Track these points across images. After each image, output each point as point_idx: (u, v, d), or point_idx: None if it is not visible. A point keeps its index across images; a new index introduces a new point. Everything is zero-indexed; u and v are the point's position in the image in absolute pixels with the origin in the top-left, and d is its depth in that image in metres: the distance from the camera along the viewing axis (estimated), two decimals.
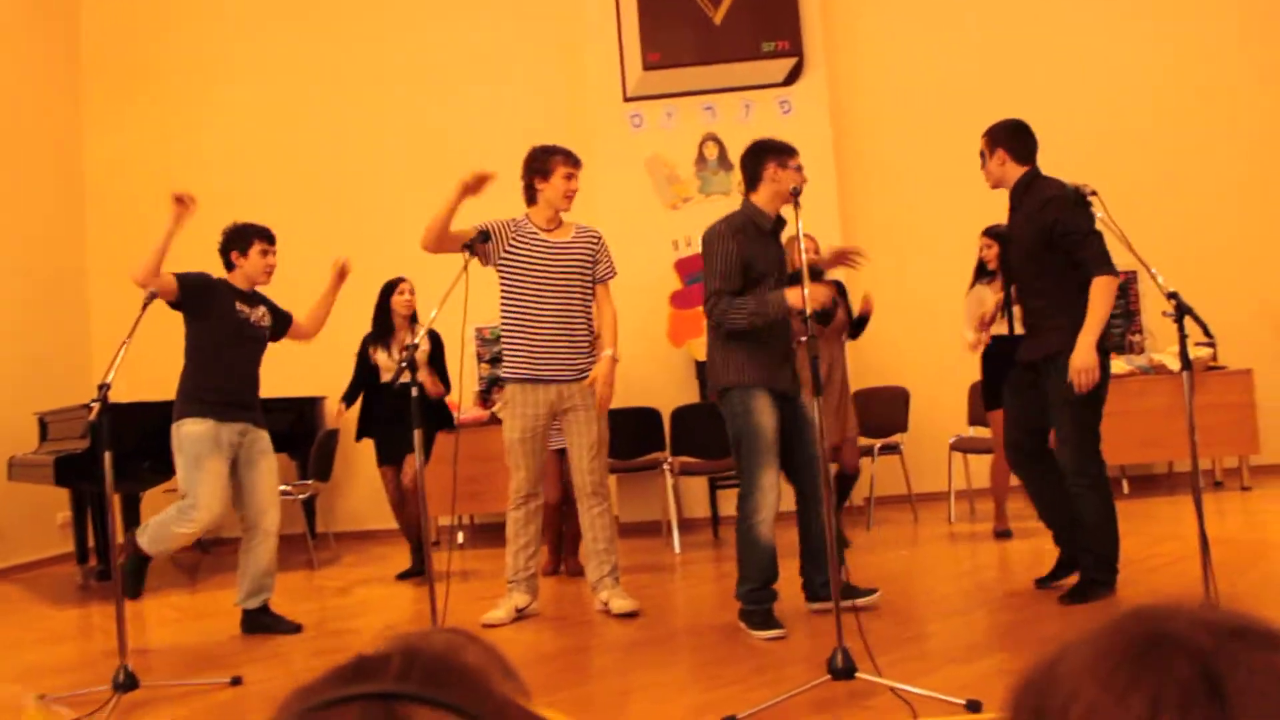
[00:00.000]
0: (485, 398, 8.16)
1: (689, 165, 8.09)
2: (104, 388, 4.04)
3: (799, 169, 4.58)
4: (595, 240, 5.13)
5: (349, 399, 6.54)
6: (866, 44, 8.38)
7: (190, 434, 4.90)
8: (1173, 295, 3.86)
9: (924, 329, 7.45)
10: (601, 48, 8.08)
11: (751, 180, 4.65)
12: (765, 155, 4.62)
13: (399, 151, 8.63)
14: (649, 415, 7.32)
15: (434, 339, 6.44)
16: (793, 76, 8.02)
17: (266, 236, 5.16)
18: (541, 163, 5.05)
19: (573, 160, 5.07)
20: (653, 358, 7.71)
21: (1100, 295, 4.43)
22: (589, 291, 5.08)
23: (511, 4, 8.64)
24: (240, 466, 5.05)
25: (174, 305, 4.92)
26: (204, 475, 4.86)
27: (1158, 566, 5.09)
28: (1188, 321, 3.83)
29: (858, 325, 6.32)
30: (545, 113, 8.20)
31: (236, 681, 4.17)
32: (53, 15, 8.85)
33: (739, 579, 4.53)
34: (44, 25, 8.76)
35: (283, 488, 7.23)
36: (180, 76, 8.91)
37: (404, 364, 4.13)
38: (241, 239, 5.13)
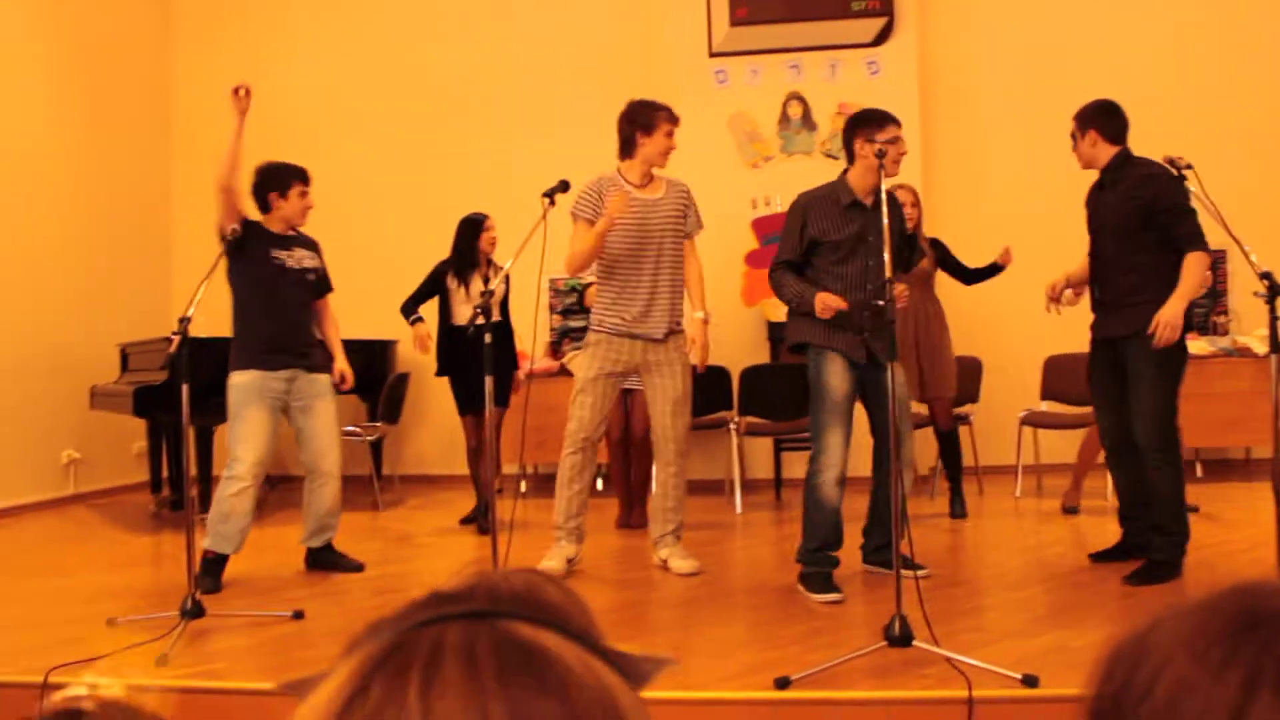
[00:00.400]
0: (557, 349, 8.19)
1: (772, 124, 7.99)
2: (184, 321, 4.12)
3: (894, 140, 4.48)
4: (685, 194, 5.04)
5: (408, 310, 6.42)
6: (959, 7, 8.19)
7: (235, 385, 4.89)
8: (1266, 275, 3.76)
9: (1001, 298, 7.30)
10: (689, 2, 7.98)
11: (849, 155, 4.65)
12: (854, 129, 4.62)
13: (479, 95, 8.61)
14: (718, 374, 7.28)
15: (505, 284, 6.38)
16: (882, 37, 7.87)
17: (303, 177, 5.07)
18: (647, 117, 4.89)
19: (675, 117, 4.96)
20: (725, 316, 7.66)
21: (1193, 269, 4.39)
22: (680, 248, 5.00)
23: None
24: (295, 413, 5.03)
25: (230, 252, 4.81)
26: (241, 425, 4.82)
27: (1231, 553, 4.97)
28: (1279, 303, 3.72)
29: (977, 275, 6.31)
30: (629, 64, 8.14)
31: (299, 615, 4.25)
32: None
33: (802, 538, 4.55)
34: None
35: (350, 429, 7.37)
36: (268, 10, 8.98)
37: (480, 309, 4.12)
38: (280, 180, 5.03)
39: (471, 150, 8.49)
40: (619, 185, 4.91)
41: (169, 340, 4.21)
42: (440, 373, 6.44)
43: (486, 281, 6.27)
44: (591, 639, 0.58)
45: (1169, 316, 4.35)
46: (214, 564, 4.83)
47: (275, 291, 4.95)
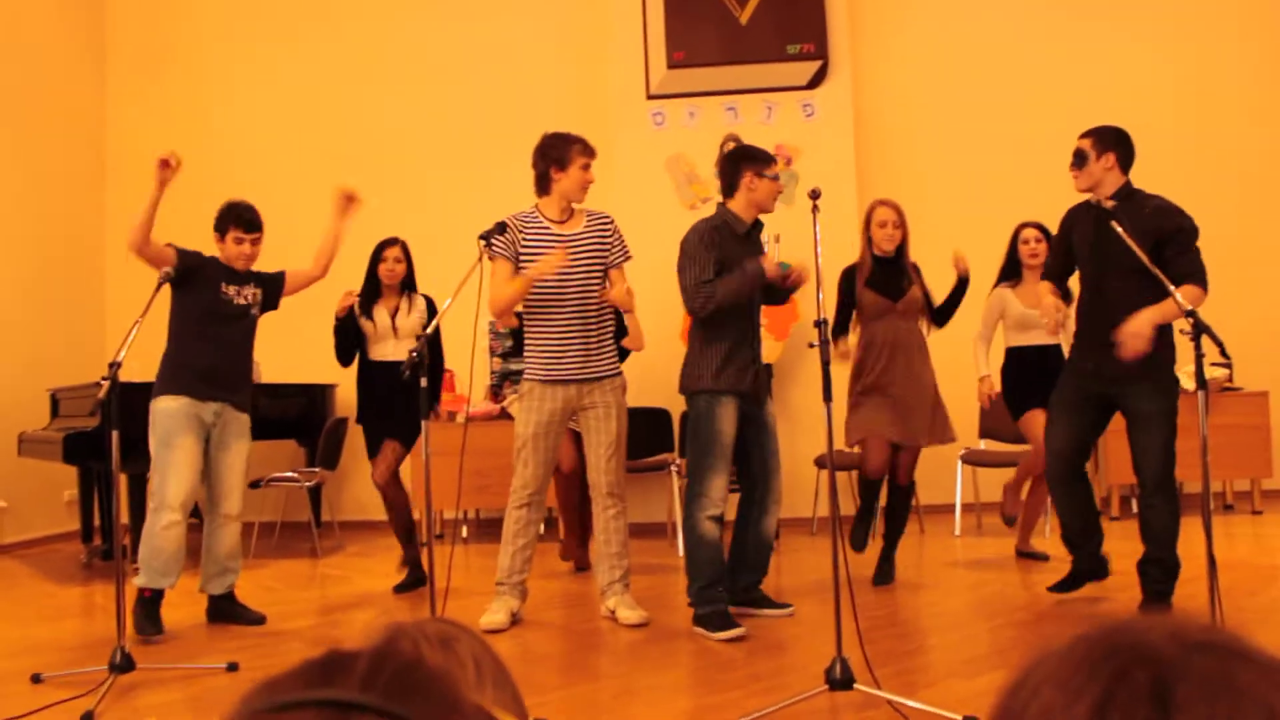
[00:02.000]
0: (496, 392, 8.14)
1: (709, 165, 8.04)
2: (114, 366, 4.03)
3: (775, 178, 4.75)
4: (607, 225, 4.94)
5: (343, 357, 5.94)
6: (892, 50, 8.33)
7: (164, 411, 4.81)
8: (1191, 314, 3.83)
9: (938, 339, 7.39)
10: (626, 44, 8.05)
11: (729, 187, 4.83)
12: (743, 163, 4.79)
13: (418, 142, 8.61)
14: (658, 415, 7.29)
15: (430, 312, 5.89)
16: (817, 80, 7.98)
17: (242, 224, 5.02)
18: (560, 151, 4.81)
19: (590, 150, 4.86)
20: (664, 357, 7.64)
21: (1186, 298, 4.03)
22: (600, 279, 4.89)
23: None
24: (212, 447, 4.96)
25: (174, 281, 4.75)
26: (172, 454, 4.74)
27: (1192, 609, 5.04)
28: (1205, 341, 3.79)
29: (948, 307, 5.67)
30: (567, 107, 8.17)
31: (233, 668, 4.16)
32: None
33: (688, 580, 4.66)
34: (69, 8, 8.77)
35: (289, 474, 7.26)
36: (203, 56, 8.92)
37: (415, 352, 3.97)
38: (220, 223, 5.05)
39: (410, 193, 8.45)
40: (537, 222, 4.84)
41: (99, 385, 4.13)
42: (361, 419, 5.95)
43: (394, 314, 5.84)
44: None
45: (1137, 328, 4.25)
46: (151, 603, 4.74)
47: (219, 324, 4.91)
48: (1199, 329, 3.81)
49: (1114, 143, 4.59)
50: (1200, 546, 3.81)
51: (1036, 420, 5.39)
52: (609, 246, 4.92)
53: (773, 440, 4.83)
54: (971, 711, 3.15)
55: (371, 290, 5.91)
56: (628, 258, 5.01)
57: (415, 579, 5.73)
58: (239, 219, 5.03)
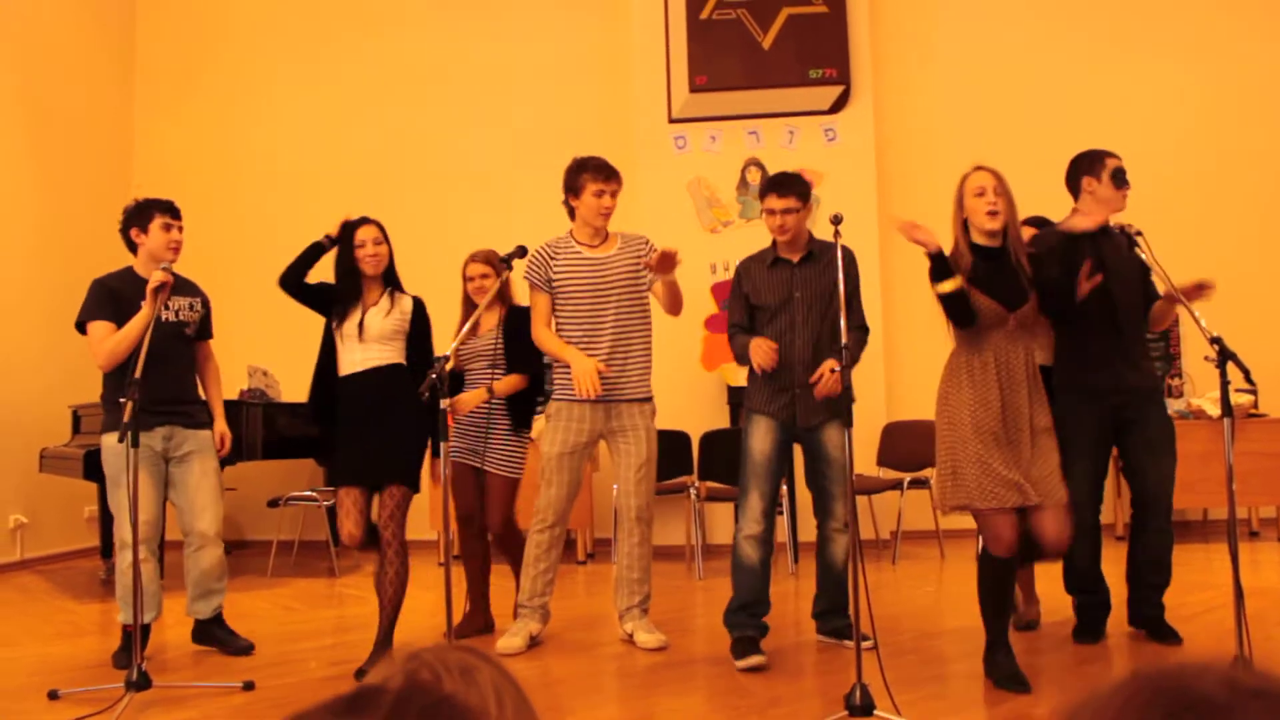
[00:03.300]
0: None
1: (730, 189, 8.06)
2: (133, 384, 4.03)
3: (769, 211, 4.64)
4: (642, 248, 4.87)
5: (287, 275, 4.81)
6: (914, 74, 8.33)
7: (111, 449, 4.56)
8: (1216, 340, 3.79)
9: None
10: (648, 69, 8.07)
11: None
12: (761, 194, 4.79)
13: (443, 161, 8.65)
14: (678, 438, 7.27)
15: (420, 318, 4.76)
16: (839, 105, 7.98)
17: (168, 210, 4.78)
18: (573, 180, 4.82)
19: (604, 174, 4.78)
20: (685, 381, 7.66)
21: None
22: (642, 303, 4.86)
23: (560, 22, 8.65)
24: (171, 470, 4.76)
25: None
26: (123, 492, 4.27)
27: (1190, 616, 4.98)
28: (1230, 367, 3.76)
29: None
30: (590, 131, 8.19)
31: (249, 686, 4.16)
32: (108, 16, 8.95)
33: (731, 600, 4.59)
34: (99, 26, 8.86)
35: (307, 493, 7.27)
36: (231, 73, 9.00)
37: (433, 374, 3.92)
38: (141, 215, 4.76)
39: (434, 212, 8.48)
40: (570, 248, 4.85)
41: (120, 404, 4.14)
42: (318, 419, 4.87)
43: (366, 312, 4.66)
44: None
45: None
46: (133, 639, 4.57)
47: (149, 345, 4.25)
48: (1224, 355, 3.78)
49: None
50: (1227, 574, 3.76)
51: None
52: (639, 269, 4.84)
53: (831, 468, 4.61)
54: None
55: (346, 289, 4.72)
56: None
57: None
58: (162, 206, 4.78)
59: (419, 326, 4.71)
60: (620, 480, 4.85)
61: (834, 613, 4.72)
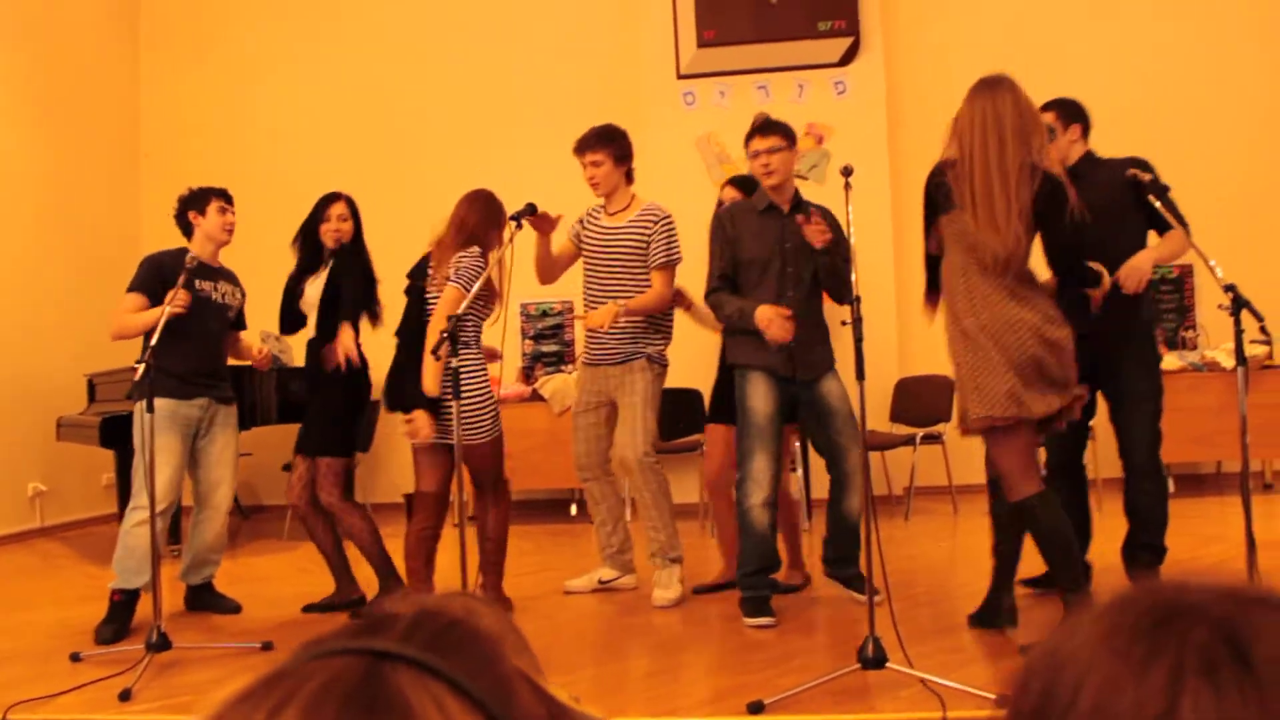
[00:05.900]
0: (529, 374, 8.15)
1: (740, 145, 7.96)
2: (149, 349, 4.09)
3: (754, 154, 4.61)
4: (652, 223, 4.90)
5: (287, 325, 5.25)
6: (924, 25, 8.24)
7: (143, 415, 4.58)
8: (1230, 288, 3.75)
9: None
10: (656, 24, 8.01)
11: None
12: (745, 141, 4.73)
13: (450, 122, 8.61)
14: (689, 396, 7.26)
15: (337, 263, 5.04)
16: (848, 57, 7.91)
17: (223, 195, 4.98)
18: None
19: (577, 148, 4.94)
20: (693, 338, 7.64)
21: (1179, 243, 4.28)
22: (642, 277, 4.91)
23: None
24: (199, 440, 4.93)
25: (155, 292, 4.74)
26: (154, 456, 4.41)
27: (1203, 568, 4.98)
28: (1244, 317, 3.73)
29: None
30: (597, 88, 8.15)
31: (268, 646, 4.20)
32: None
33: (738, 563, 4.52)
34: None
35: None
36: (236, 41, 8.95)
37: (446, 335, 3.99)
38: (198, 200, 4.95)
39: (440, 174, 8.45)
40: (595, 214, 5.04)
41: (134, 370, 4.17)
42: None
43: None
44: (487, 699, 0.57)
45: (1139, 262, 4.22)
46: (122, 607, 4.59)
47: (198, 322, 4.70)
48: (1238, 304, 3.74)
49: (1077, 114, 4.67)
50: (1240, 526, 3.75)
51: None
52: (646, 244, 4.91)
53: (837, 419, 4.54)
54: (1005, 690, 3.13)
55: (311, 257, 5.06)
56: (667, 258, 4.93)
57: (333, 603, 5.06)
58: (219, 192, 4.98)
59: (336, 279, 5.00)
60: (617, 437, 4.93)
61: (844, 561, 4.68)
